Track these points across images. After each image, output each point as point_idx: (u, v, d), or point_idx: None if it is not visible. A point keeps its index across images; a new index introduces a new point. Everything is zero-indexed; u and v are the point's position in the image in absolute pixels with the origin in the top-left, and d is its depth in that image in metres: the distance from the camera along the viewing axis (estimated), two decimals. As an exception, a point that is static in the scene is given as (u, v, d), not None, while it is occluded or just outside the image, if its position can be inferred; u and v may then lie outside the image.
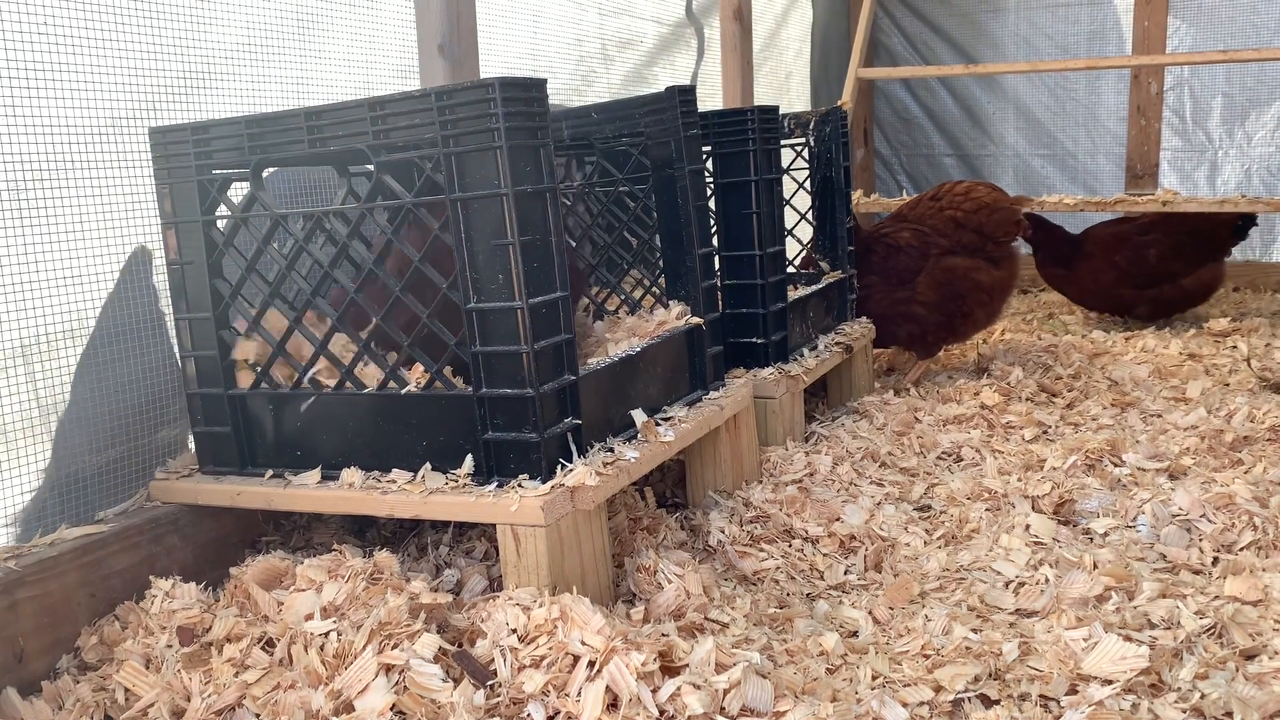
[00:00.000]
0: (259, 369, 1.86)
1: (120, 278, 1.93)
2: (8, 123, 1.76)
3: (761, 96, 4.48)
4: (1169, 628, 1.63)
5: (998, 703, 1.47)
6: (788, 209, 2.86)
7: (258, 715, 1.45)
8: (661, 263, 2.30)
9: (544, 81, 1.65)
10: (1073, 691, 1.47)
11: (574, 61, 3.40)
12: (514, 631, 1.51)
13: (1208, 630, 1.61)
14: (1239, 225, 4.10)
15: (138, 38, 1.96)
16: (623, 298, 2.47)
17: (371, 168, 1.71)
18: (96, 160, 1.90)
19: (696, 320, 2.18)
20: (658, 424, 1.96)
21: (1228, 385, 3.06)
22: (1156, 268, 4.07)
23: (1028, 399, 2.99)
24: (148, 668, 1.60)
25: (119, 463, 1.93)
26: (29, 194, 1.79)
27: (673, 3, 4.00)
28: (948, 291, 3.18)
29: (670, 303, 2.25)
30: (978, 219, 3.19)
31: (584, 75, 3.45)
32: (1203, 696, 1.43)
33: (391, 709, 1.38)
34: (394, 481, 1.73)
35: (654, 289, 2.57)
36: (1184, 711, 1.41)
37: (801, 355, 2.71)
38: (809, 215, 3.17)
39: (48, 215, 1.82)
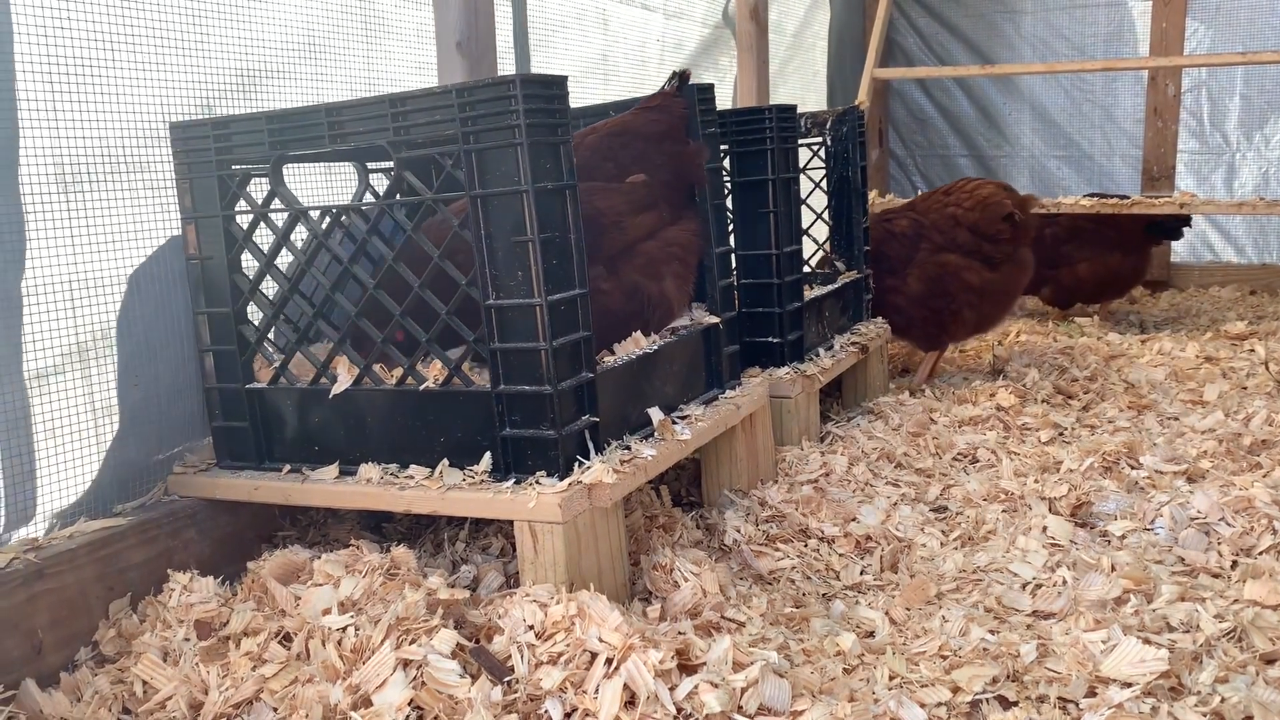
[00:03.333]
0: (279, 366, 1.87)
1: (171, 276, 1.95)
2: (64, 122, 1.76)
3: (789, 95, 4.48)
4: (1188, 631, 1.62)
5: (1016, 704, 1.46)
6: (804, 208, 2.85)
7: (275, 709, 1.45)
8: (678, 261, 2.30)
9: (564, 79, 1.65)
10: (1091, 694, 1.46)
11: (635, 64, 3.42)
12: (531, 628, 1.51)
13: (1227, 634, 1.60)
14: (1164, 224, 4.08)
15: (194, 38, 1.97)
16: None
17: (390, 164, 1.71)
18: (151, 160, 1.91)
19: (713, 319, 2.18)
20: (674, 422, 1.96)
21: (1245, 389, 3.05)
22: (1051, 249, 4.10)
23: (1044, 401, 2.98)
24: (165, 661, 1.60)
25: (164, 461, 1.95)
26: (85, 195, 1.80)
27: (715, 5, 4.03)
28: (935, 288, 3.16)
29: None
30: (973, 215, 3.17)
31: (640, 79, 3.47)
32: (1223, 700, 1.42)
33: (409, 704, 1.38)
34: (411, 477, 1.74)
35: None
36: (1204, 715, 1.40)
37: (817, 355, 2.71)
38: (825, 215, 3.17)
39: (104, 216, 1.83)
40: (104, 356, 1.83)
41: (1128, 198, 4.02)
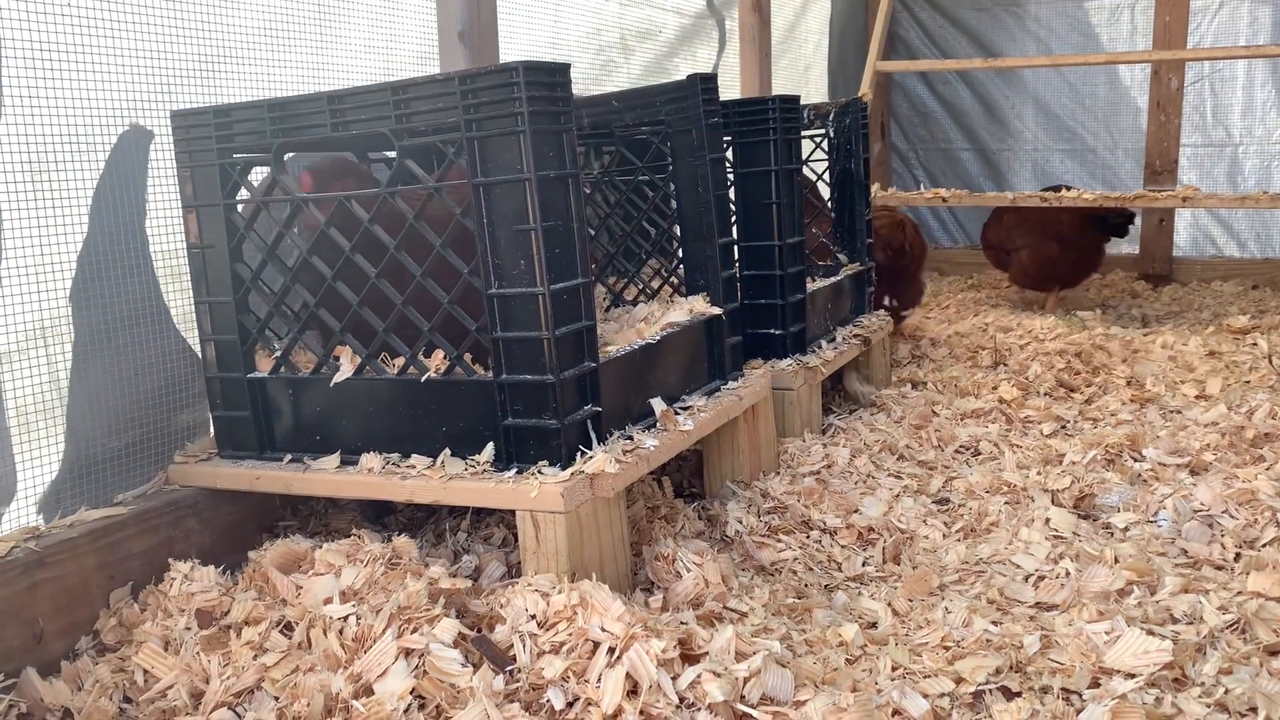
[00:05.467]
0: (280, 355, 1.86)
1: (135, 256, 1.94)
2: (25, 103, 1.75)
3: (780, 88, 4.47)
4: (1191, 623, 1.62)
5: (1019, 695, 1.46)
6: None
7: (276, 698, 1.45)
8: (680, 252, 2.29)
9: (568, 66, 1.64)
10: (1095, 685, 1.46)
11: (594, 51, 3.40)
12: (533, 617, 1.50)
13: (1231, 625, 1.60)
14: (1108, 220, 4.19)
15: (156, 21, 1.96)
16: (640, 286, 2.47)
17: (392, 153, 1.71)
18: (113, 143, 1.90)
19: (716, 310, 2.17)
20: (677, 413, 1.95)
21: (1248, 382, 3.04)
22: (1006, 233, 4.36)
23: (1046, 393, 2.98)
24: (166, 650, 1.60)
25: (138, 445, 1.93)
26: (46, 176, 1.79)
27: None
28: None
29: (689, 293, 2.25)
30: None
31: (603, 65, 3.45)
32: (1226, 691, 1.42)
33: (411, 693, 1.38)
34: (413, 467, 1.73)
35: (672, 279, 2.56)
36: (1208, 706, 1.39)
37: (819, 347, 2.70)
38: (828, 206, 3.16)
39: (64, 197, 1.82)
40: (64, 336, 1.82)
41: (1114, 191, 4.12)
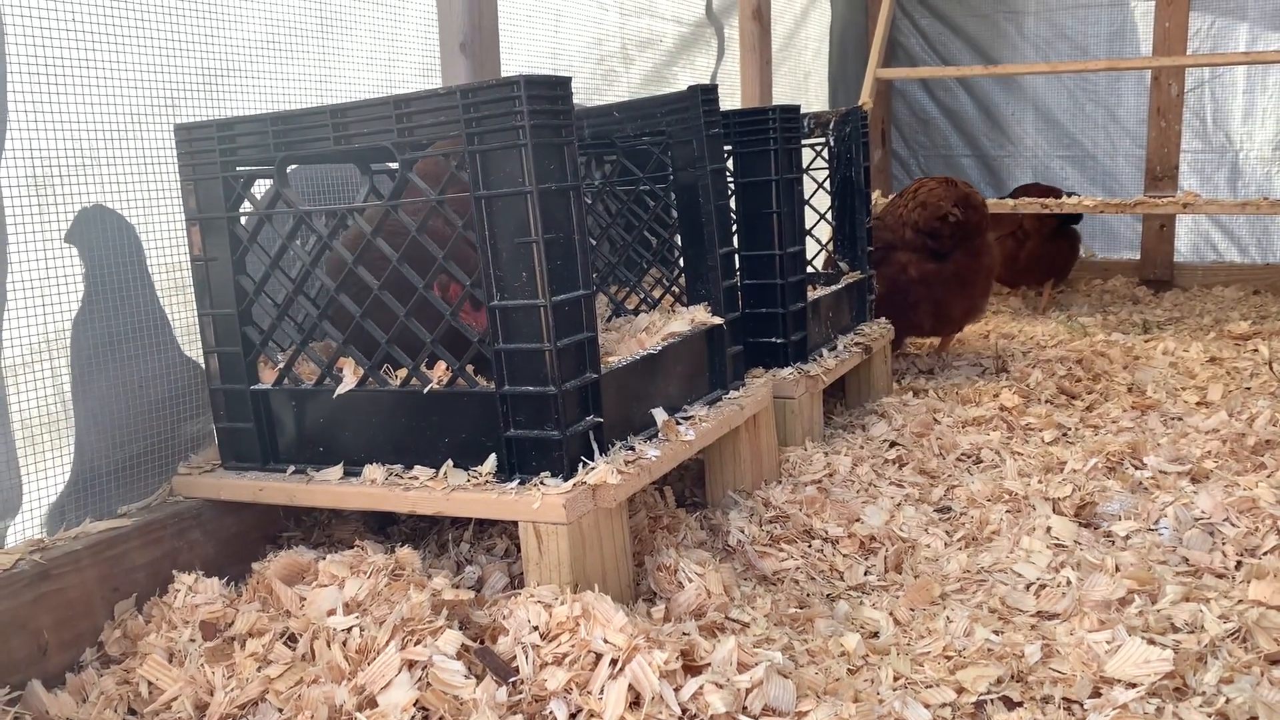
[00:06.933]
0: (283, 367, 1.87)
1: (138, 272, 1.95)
2: (30, 118, 1.76)
3: (780, 96, 4.48)
4: (1193, 632, 1.62)
5: (1020, 705, 1.46)
6: (807, 209, 2.85)
7: (281, 710, 1.45)
8: (681, 262, 2.30)
9: (569, 80, 1.65)
10: (1096, 694, 1.46)
11: (594, 61, 3.41)
12: (536, 629, 1.51)
13: (1232, 634, 1.60)
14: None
15: (158, 34, 1.97)
16: (642, 296, 2.47)
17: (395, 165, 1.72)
18: (117, 156, 1.91)
19: (717, 319, 2.18)
20: (678, 423, 1.96)
21: (1249, 389, 3.04)
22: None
23: (1047, 401, 2.98)
24: (171, 661, 1.60)
25: (142, 457, 1.94)
26: (51, 189, 1.80)
27: (693, 3, 4.00)
28: (891, 285, 3.33)
29: (690, 302, 2.25)
30: (915, 216, 3.35)
31: (604, 75, 3.46)
32: (1228, 701, 1.42)
33: (414, 705, 1.39)
34: (416, 478, 1.74)
35: (673, 288, 2.57)
36: (1209, 716, 1.40)
37: (821, 355, 2.71)
38: (828, 215, 3.16)
39: (70, 211, 1.83)
40: (68, 349, 1.83)
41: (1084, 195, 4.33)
